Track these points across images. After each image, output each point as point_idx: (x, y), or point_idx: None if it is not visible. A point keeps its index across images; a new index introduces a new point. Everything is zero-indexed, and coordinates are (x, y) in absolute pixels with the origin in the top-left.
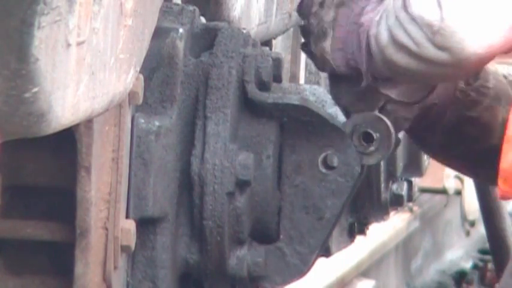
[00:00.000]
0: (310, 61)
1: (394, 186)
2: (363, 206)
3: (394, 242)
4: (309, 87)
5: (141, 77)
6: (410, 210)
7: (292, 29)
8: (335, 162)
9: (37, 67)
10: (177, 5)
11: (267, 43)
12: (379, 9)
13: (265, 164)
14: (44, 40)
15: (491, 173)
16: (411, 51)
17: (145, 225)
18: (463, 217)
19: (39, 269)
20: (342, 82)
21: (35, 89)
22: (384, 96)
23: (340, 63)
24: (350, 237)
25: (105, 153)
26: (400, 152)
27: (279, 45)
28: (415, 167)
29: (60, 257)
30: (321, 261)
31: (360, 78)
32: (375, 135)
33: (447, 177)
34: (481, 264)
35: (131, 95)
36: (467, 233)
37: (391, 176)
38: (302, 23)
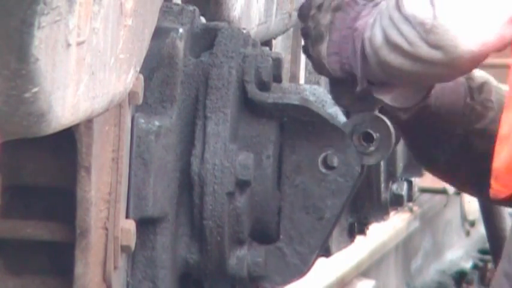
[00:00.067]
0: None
1: (394, 186)
2: (363, 206)
3: (394, 242)
4: (309, 87)
5: (141, 77)
6: (410, 210)
7: (292, 29)
8: (335, 162)
9: (37, 67)
10: (177, 5)
11: (267, 43)
12: (374, 12)
13: (265, 164)
14: (44, 40)
15: None
16: (405, 51)
17: (145, 225)
18: (463, 217)
19: (39, 269)
20: (340, 83)
21: (35, 89)
22: (378, 101)
23: (336, 67)
24: (350, 237)
25: (105, 153)
26: (400, 152)
27: (279, 45)
28: (415, 167)
29: (60, 257)
30: (321, 261)
31: (355, 83)
32: (375, 135)
33: None
34: (481, 264)
35: (131, 95)
36: (467, 233)
37: (391, 176)
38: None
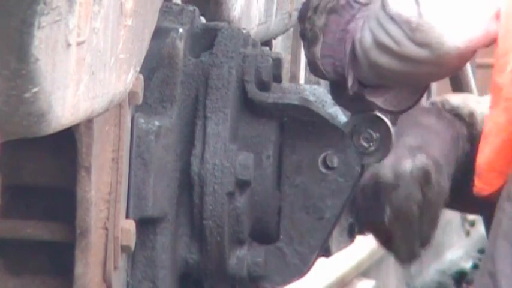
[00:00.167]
0: None
1: None
2: None
3: None
4: (309, 87)
5: (141, 77)
6: None
7: (292, 29)
8: (335, 162)
9: (37, 67)
10: (177, 5)
11: (267, 43)
12: (364, 14)
13: (265, 164)
14: (44, 40)
15: None
16: (393, 51)
17: (145, 225)
18: (463, 217)
19: (39, 269)
20: (339, 84)
21: (35, 89)
22: (370, 103)
23: (329, 70)
24: (350, 237)
25: (105, 153)
26: None
27: (279, 45)
28: None
29: (60, 257)
30: (321, 261)
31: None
32: (375, 135)
33: None
34: None
35: (131, 95)
36: (467, 233)
37: None
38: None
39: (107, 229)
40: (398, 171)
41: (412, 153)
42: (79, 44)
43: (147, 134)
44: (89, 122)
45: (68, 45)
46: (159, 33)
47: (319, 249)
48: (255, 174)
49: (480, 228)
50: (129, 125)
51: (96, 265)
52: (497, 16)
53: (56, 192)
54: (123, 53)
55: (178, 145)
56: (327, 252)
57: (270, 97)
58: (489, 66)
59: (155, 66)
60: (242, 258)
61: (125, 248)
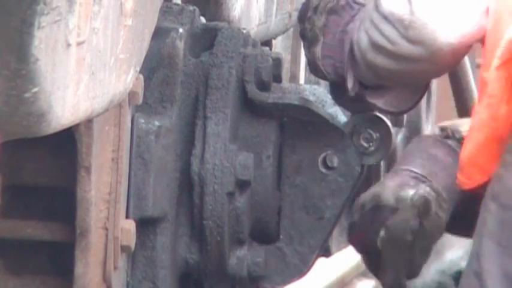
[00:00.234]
0: None
1: None
2: None
3: None
4: (309, 87)
5: (141, 77)
6: None
7: (292, 29)
8: (335, 162)
9: (37, 67)
10: (177, 5)
11: (267, 43)
12: (362, 15)
13: (265, 164)
14: (44, 40)
15: None
16: (388, 50)
17: (145, 225)
18: None
19: (39, 269)
20: (339, 84)
21: (35, 89)
22: (371, 105)
23: (330, 70)
24: None
25: (105, 153)
26: (400, 152)
27: (279, 45)
28: None
29: (60, 257)
30: (321, 261)
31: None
32: (375, 135)
33: None
34: None
35: (131, 95)
36: None
37: None
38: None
39: (107, 229)
40: (400, 195)
41: (416, 182)
42: (79, 44)
43: (147, 134)
44: (89, 122)
45: (68, 45)
46: (159, 33)
47: (319, 249)
48: (255, 174)
49: None
50: (129, 125)
51: (96, 265)
52: (487, 12)
53: (56, 192)
54: (123, 53)
55: (178, 145)
56: (327, 252)
57: (270, 97)
58: None
59: (155, 66)
60: (242, 258)
61: (125, 248)
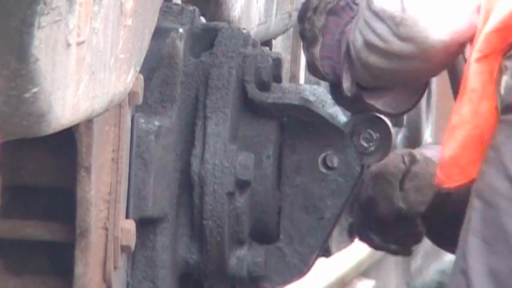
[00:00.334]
0: None
1: None
2: None
3: None
4: (309, 87)
5: (141, 77)
6: None
7: (292, 29)
8: (335, 162)
9: (37, 67)
10: (177, 5)
11: (267, 43)
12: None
13: (265, 164)
14: (44, 40)
15: None
16: (380, 48)
17: (145, 225)
18: None
19: (39, 269)
20: (339, 85)
21: (35, 89)
22: (369, 105)
23: (328, 71)
24: (350, 237)
25: (105, 153)
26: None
27: (279, 45)
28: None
29: (60, 257)
30: (321, 261)
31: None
32: (375, 135)
33: None
34: None
35: (131, 95)
36: None
37: None
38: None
39: (107, 229)
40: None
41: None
42: (79, 44)
43: (147, 134)
44: (89, 122)
45: (68, 45)
46: (159, 33)
47: (319, 249)
48: (255, 174)
49: None
50: (129, 125)
51: (96, 265)
52: (479, 10)
53: (56, 192)
54: (123, 53)
55: (178, 145)
56: (327, 252)
57: (270, 97)
58: None
59: (155, 66)
60: (242, 258)
61: (125, 248)
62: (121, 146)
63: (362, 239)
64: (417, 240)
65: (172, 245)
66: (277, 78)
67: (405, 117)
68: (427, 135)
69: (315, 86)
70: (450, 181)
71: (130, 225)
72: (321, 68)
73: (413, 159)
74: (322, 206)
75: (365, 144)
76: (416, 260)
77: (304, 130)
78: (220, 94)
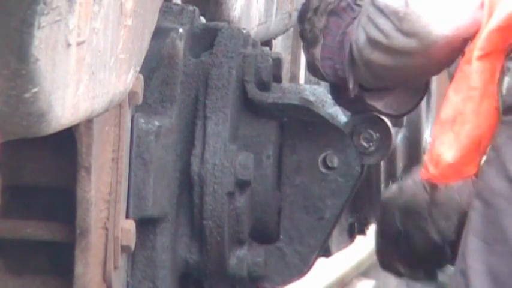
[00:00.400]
0: None
1: None
2: (363, 206)
3: None
4: (309, 87)
5: (141, 77)
6: None
7: (292, 29)
8: (335, 162)
9: (37, 67)
10: (177, 5)
11: (267, 43)
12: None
13: (265, 164)
14: (44, 40)
15: None
16: (383, 45)
17: (145, 225)
18: None
19: (39, 269)
20: (339, 86)
21: (35, 89)
22: (370, 107)
23: (329, 72)
24: (350, 237)
25: (105, 153)
26: (400, 152)
27: (279, 45)
28: (415, 167)
29: (60, 257)
30: (321, 261)
31: (348, 88)
32: (375, 135)
33: None
34: None
35: (131, 95)
36: None
37: (391, 176)
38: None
39: (107, 229)
40: (402, 184)
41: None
42: (79, 44)
43: (147, 134)
44: (89, 122)
45: (68, 45)
46: (159, 33)
47: (319, 249)
48: (255, 174)
49: None
50: (129, 125)
51: (96, 265)
52: (483, 6)
53: (56, 192)
54: (123, 53)
55: (178, 145)
56: (327, 252)
57: (270, 97)
58: None
59: (155, 66)
60: (242, 258)
61: (125, 248)
62: (121, 146)
63: (388, 270)
64: (443, 265)
65: (172, 245)
66: (277, 78)
67: (405, 117)
68: (427, 135)
69: (315, 86)
70: (444, 179)
71: (130, 225)
72: (322, 68)
73: (434, 186)
74: (322, 206)
75: (365, 144)
76: None
77: (304, 130)
78: (220, 94)
